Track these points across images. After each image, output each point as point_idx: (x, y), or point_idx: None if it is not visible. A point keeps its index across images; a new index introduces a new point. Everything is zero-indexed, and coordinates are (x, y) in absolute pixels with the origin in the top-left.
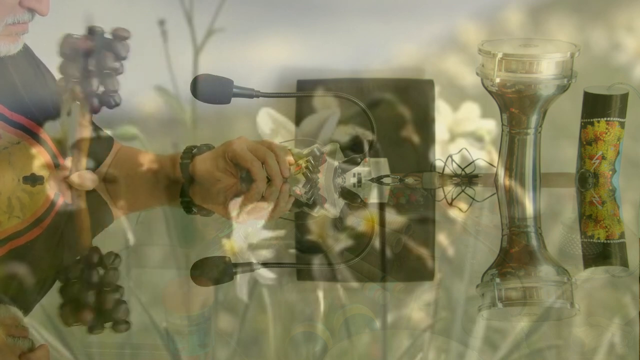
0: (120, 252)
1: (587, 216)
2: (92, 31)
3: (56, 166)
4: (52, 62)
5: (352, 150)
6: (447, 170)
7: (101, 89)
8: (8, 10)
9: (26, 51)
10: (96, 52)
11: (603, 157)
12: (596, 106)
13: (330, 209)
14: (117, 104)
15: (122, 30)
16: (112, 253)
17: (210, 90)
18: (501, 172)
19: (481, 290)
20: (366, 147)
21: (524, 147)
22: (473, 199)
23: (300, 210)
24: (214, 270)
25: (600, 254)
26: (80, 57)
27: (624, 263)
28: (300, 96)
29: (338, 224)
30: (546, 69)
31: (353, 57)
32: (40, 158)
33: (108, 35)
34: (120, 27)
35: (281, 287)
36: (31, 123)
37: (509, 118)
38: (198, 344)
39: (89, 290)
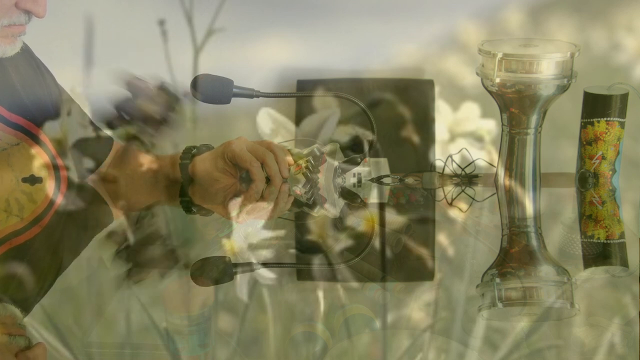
0: (120, 252)
1: (587, 216)
2: (163, 87)
3: (55, 167)
4: (52, 63)
5: (352, 150)
6: (447, 170)
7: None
8: (4, 11)
9: (26, 51)
10: (160, 103)
11: (603, 157)
12: (596, 106)
13: (330, 209)
14: (148, 150)
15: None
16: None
17: (210, 90)
18: (501, 172)
19: (481, 290)
20: (366, 147)
21: (524, 147)
22: (473, 199)
23: (300, 210)
24: (214, 270)
25: (600, 254)
26: (139, 100)
27: (624, 263)
28: (300, 96)
29: (338, 224)
30: (546, 69)
31: (353, 57)
32: (39, 159)
33: (175, 92)
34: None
35: (281, 287)
36: (30, 124)
37: (509, 118)
38: (198, 344)
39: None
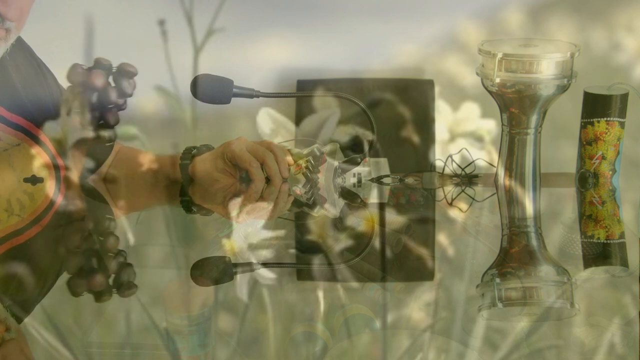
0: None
1: (587, 216)
2: (99, 64)
3: (55, 167)
4: (52, 63)
5: (352, 150)
6: (447, 170)
7: (101, 122)
8: None
9: (27, 51)
10: (101, 86)
11: (603, 157)
12: (596, 106)
13: (330, 209)
14: (111, 141)
15: (128, 65)
16: (106, 218)
17: (210, 90)
18: (501, 172)
19: (481, 290)
20: (366, 147)
21: (524, 147)
22: (473, 199)
23: (300, 210)
24: (214, 270)
25: (600, 254)
26: (85, 88)
27: (624, 263)
28: (300, 96)
29: (338, 224)
30: (546, 69)
31: (353, 57)
32: (39, 159)
33: (115, 69)
34: (127, 62)
35: (281, 287)
36: (30, 124)
37: (509, 118)
38: (198, 344)
39: (91, 258)
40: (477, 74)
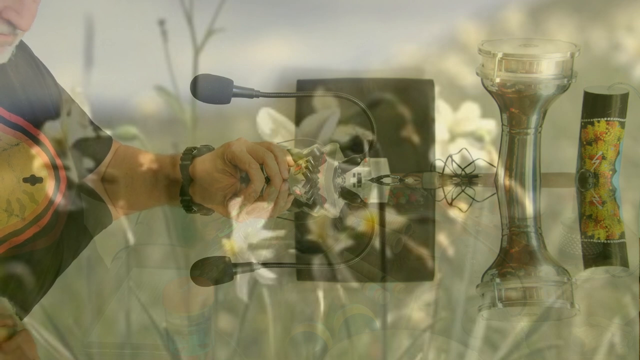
0: (120, 252)
1: (587, 216)
2: None
3: (54, 167)
4: (52, 63)
5: (352, 150)
6: (447, 170)
7: None
8: None
9: (26, 51)
10: None
11: (603, 157)
12: (596, 106)
13: (330, 209)
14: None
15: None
16: None
17: (210, 90)
18: (501, 172)
19: (481, 290)
20: (366, 147)
21: (524, 147)
22: (473, 199)
23: (300, 210)
24: (214, 270)
25: (600, 254)
26: None
27: (624, 263)
28: (300, 96)
29: (338, 224)
30: (546, 69)
31: (353, 57)
32: (39, 159)
33: None
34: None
35: (281, 287)
36: (29, 125)
37: (509, 118)
38: (198, 344)
39: None
40: (477, 74)
